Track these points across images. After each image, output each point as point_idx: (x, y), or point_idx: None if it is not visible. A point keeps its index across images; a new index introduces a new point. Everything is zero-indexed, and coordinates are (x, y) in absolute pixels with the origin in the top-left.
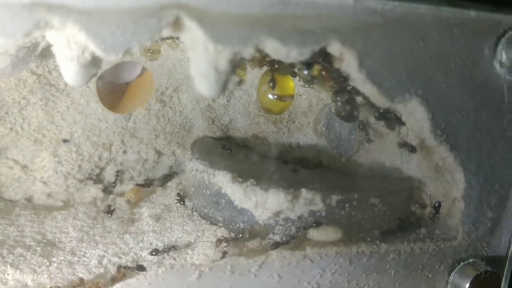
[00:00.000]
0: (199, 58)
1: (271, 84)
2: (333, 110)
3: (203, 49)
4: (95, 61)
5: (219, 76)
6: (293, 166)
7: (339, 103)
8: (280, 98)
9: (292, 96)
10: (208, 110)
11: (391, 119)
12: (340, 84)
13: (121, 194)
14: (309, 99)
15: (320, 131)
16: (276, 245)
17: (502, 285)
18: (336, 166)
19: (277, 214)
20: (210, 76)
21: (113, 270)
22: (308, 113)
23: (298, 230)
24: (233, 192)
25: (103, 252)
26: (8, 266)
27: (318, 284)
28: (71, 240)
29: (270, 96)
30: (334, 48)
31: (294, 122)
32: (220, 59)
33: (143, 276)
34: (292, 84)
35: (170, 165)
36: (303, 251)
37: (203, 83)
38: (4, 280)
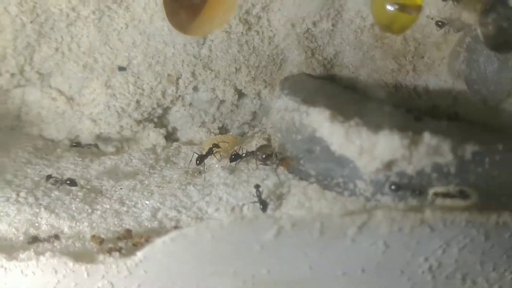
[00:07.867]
0: None
1: None
2: (481, 36)
3: None
4: None
5: None
6: (417, 114)
7: (489, 26)
8: (403, 8)
9: (419, 8)
10: (306, 37)
11: None
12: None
13: (188, 143)
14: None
15: (458, 70)
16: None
17: None
18: (479, 119)
19: (389, 165)
20: None
21: (169, 225)
22: (442, 45)
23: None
24: (331, 134)
25: (158, 204)
26: (42, 209)
27: (439, 262)
28: (121, 188)
29: (390, 8)
30: None
31: (423, 57)
32: None
33: (204, 225)
34: None
35: (253, 111)
36: (420, 214)
37: None
38: (36, 224)
